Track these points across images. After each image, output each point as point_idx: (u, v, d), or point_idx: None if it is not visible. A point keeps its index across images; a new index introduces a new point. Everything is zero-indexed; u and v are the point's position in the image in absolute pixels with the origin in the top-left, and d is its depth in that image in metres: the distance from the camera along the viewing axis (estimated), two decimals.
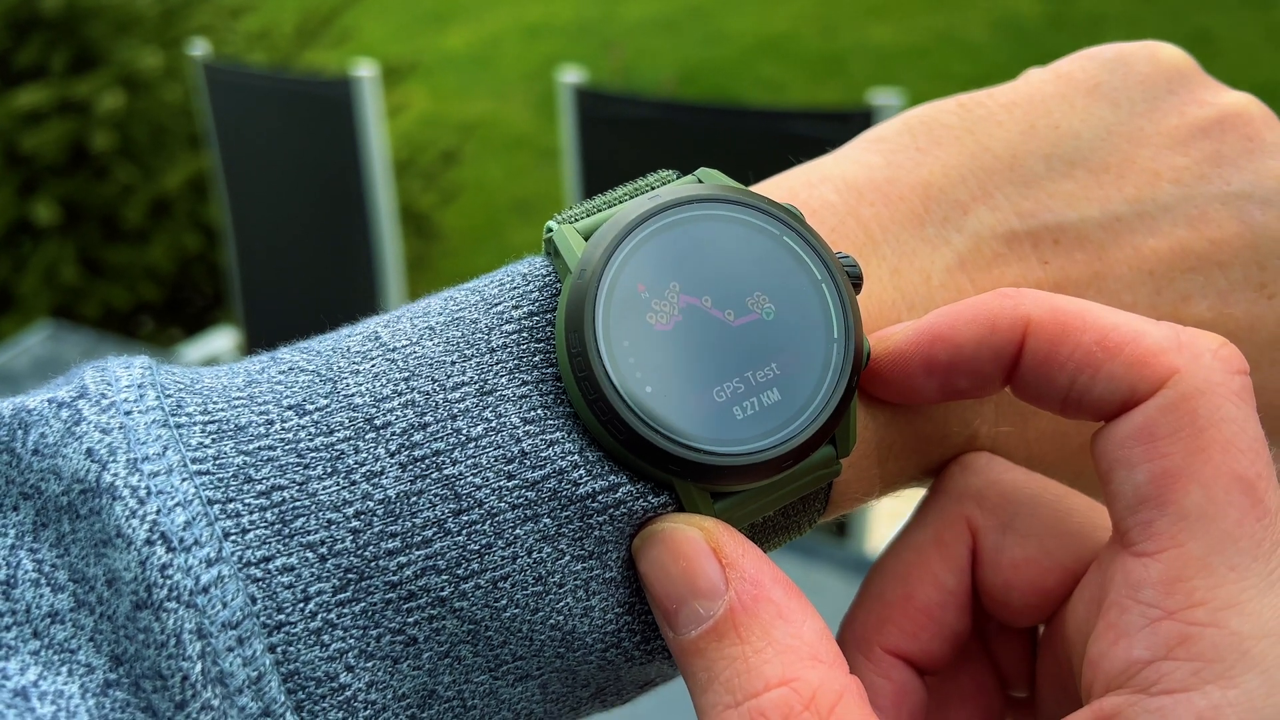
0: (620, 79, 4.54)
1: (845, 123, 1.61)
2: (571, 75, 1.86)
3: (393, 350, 0.27)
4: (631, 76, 4.63)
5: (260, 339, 2.28)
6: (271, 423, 0.25)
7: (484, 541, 0.25)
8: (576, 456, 0.26)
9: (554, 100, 3.92)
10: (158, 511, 0.23)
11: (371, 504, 0.24)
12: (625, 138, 1.86)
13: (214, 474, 0.24)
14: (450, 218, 3.62)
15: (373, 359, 0.26)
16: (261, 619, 0.23)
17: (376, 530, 0.24)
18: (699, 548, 0.25)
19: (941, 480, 0.30)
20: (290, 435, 0.25)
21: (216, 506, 0.24)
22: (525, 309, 0.27)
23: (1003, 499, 0.29)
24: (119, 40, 2.80)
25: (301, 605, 0.23)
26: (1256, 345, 0.30)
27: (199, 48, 2.26)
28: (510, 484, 0.25)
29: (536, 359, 0.27)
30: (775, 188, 0.32)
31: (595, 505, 0.26)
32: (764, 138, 1.68)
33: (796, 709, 0.23)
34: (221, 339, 2.51)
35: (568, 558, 0.25)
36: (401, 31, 5.48)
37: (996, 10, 4.87)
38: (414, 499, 0.25)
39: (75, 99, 2.65)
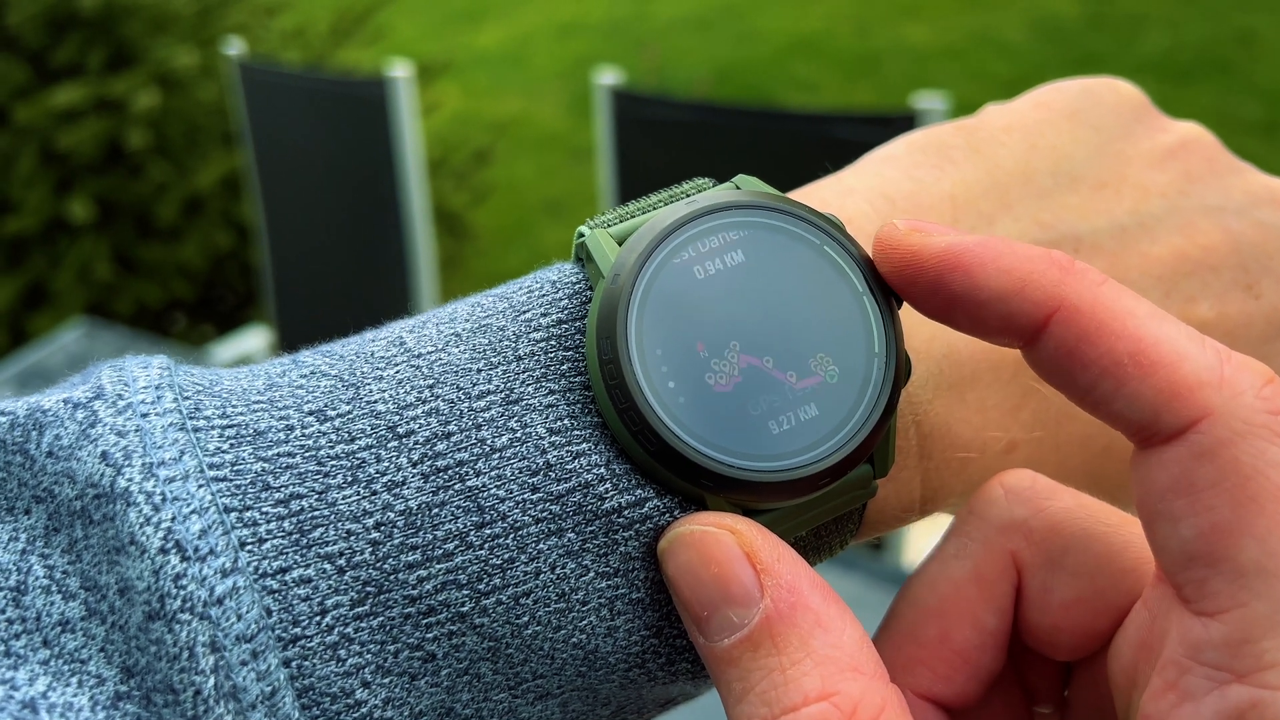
0: (653, 78, 4.53)
1: (886, 126, 1.59)
2: (608, 77, 1.86)
3: (418, 356, 0.26)
4: (664, 76, 4.62)
5: (292, 337, 2.29)
6: (291, 428, 0.24)
7: (506, 556, 0.24)
8: (603, 469, 0.25)
9: (586, 99, 3.92)
10: (172, 519, 0.22)
11: (392, 515, 0.24)
12: (661, 139, 1.85)
13: (231, 481, 0.23)
14: (482, 217, 3.63)
15: (397, 365, 0.26)
16: (277, 632, 0.22)
17: (397, 542, 0.24)
18: (732, 552, 0.24)
19: (980, 504, 0.28)
20: (310, 442, 0.24)
21: (233, 515, 0.23)
22: (554, 316, 0.27)
23: (1051, 532, 0.27)
24: (155, 39, 2.83)
25: (318, 619, 0.23)
26: (1250, 342, 0.32)
27: (234, 46, 2.27)
28: (534, 497, 0.24)
29: (564, 367, 0.26)
30: (807, 198, 0.31)
31: (621, 520, 0.25)
32: (803, 141, 1.66)
33: None
34: (253, 337, 2.53)
35: (592, 574, 0.25)
36: (434, 30, 5.50)
37: (1034, 10, 4.82)
38: (436, 511, 0.24)
39: (111, 97, 2.67)
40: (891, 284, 0.27)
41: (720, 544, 0.24)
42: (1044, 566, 0.27)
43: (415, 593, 0.24)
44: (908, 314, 0.29)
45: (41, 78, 2.72)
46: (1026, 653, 0.30)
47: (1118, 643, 0.26)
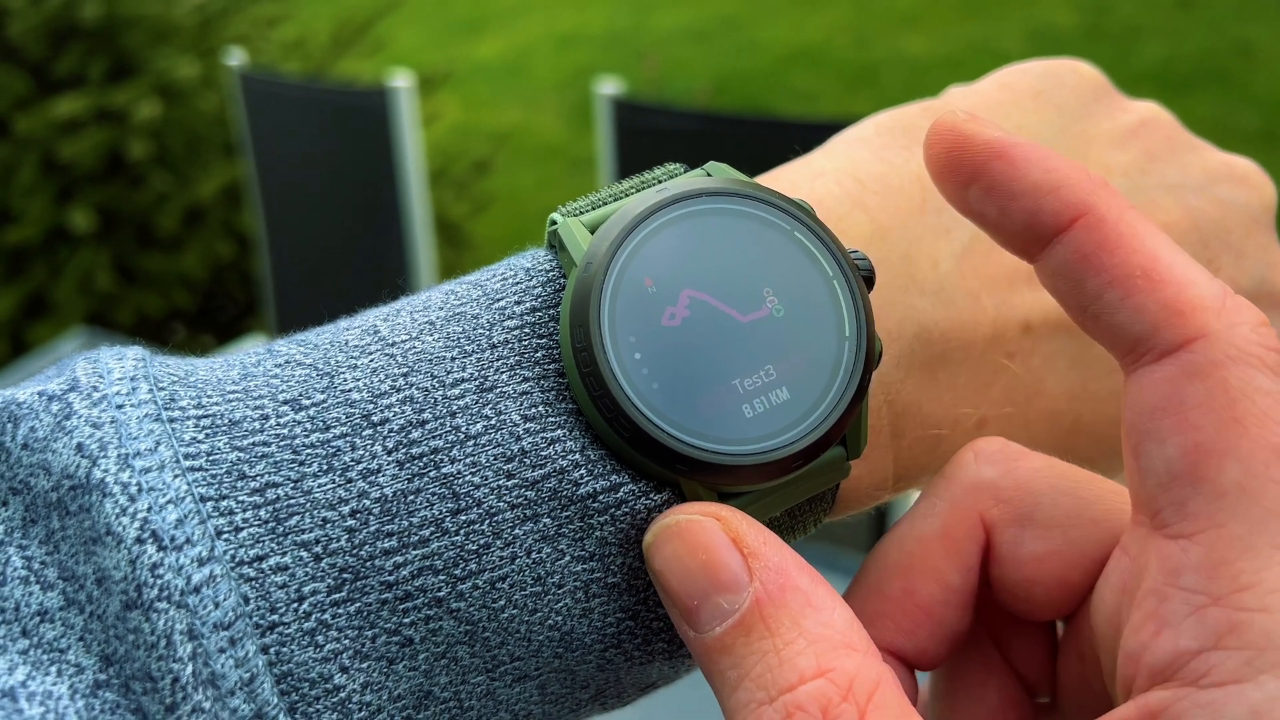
0: (653, 89, 4.54)
1: None
2: (608, 86, 1.86)
3: (391, 345, 0.26)
4: (664, 87, 4.63)
5: None
6: (266, 418, 0.25)
7: (482, 541, 0.24)
8: (578, 455, 0.25)
9: (586, 110, 3.93)
10: (149, 509, 0.22)
11: (368, 502, 0.24)
12: (662, 149, 1.85)
13: (207, 470, 0.24)
14: (482, 227, 3.63)
15: (371, 354, 0.26)
16: (254, 619, 0.23)
17: (373, 529, 0.24)
18: (718, 538, 0.24)
19: (953, 468, 0.28)
20: (285, 431, 0.24)
21: (209, 504, 0.23)
22: (528, 304, 0.27)
23: (1020, 490, 0.27)
24: (156, 50, 2.83)
25: (295, 605, 0.23)
26: None
27: (235, 57, 2.28)
28: (510, 483, 0.25)
29: (538, 355, 0.26)
30: (776, 181, 0.31)
31: (596, 505, 0.25)
32: (803, 150, 1.66)
33: (835, 700, 0.22)
34: (253, 347, 2.53)
35: (568, 558, 0.25)
36: (434, 41, 5.52)
37: (1032, 21, 4.83)
38: (411, 498, 0.24)
39: (112, 108, 2.67)
40: (934, 167, 0.27)
41: (706, 531, 0.24)
42: (1015, 523, 0.27)
43: (392, 579, 0.24)
44: (878, 297, 0.29)
45: (43, 88, 2.73)
46: (1016, 637, 0.30)
47: (1100, 592, 0.26)
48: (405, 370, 0.26)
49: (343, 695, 0.23)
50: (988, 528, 0.28)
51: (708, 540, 0.24)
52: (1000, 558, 0.28)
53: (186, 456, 0.24)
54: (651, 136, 1.85)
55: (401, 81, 1.98)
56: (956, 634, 0.28)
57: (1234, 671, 0.21)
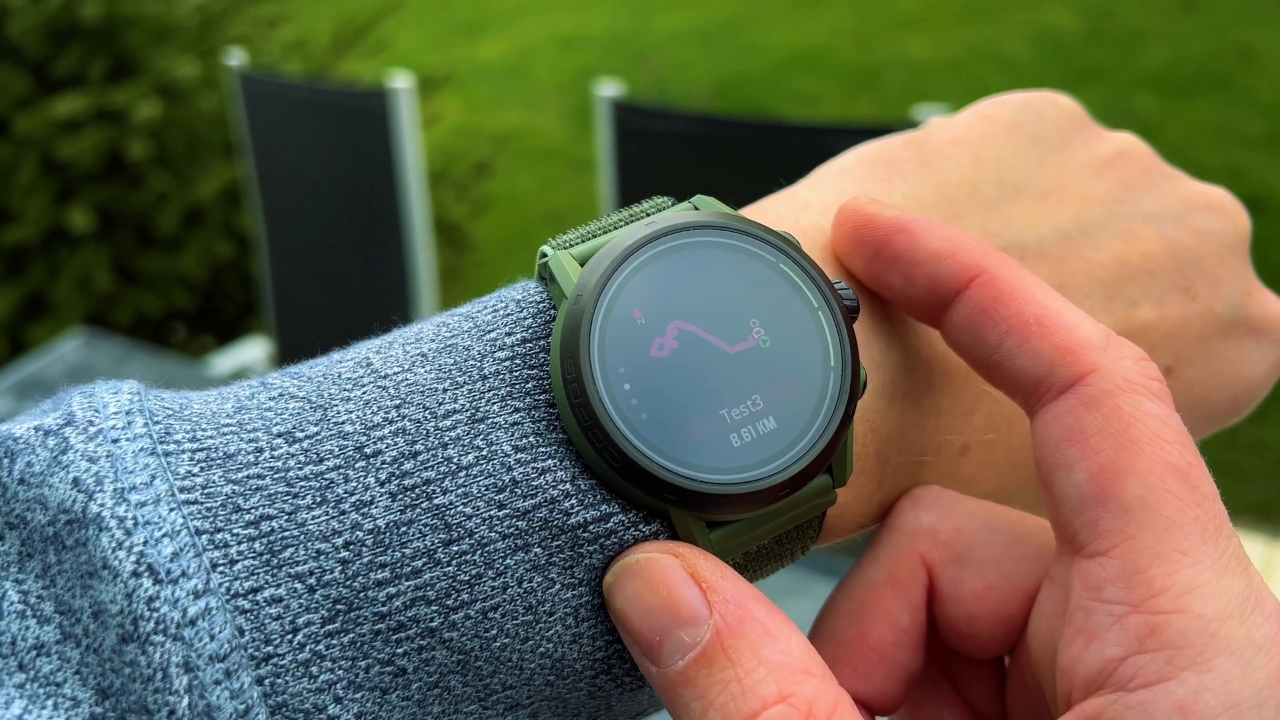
0: (653, 91, 4.55)
1: None
2: (608, 89, 1.86)
3: (384, 377, 0.26)
4: (664, 89, 4.63)
5: (291, 348, 2.30)
6: (260, 450, 0.25)
7: (474, 572, 0.24)
8: (568, 485, 0.25)
9: (587, 112, 3.93)
10: (145, 543, 0.23)
11: (361, 534, 0.24)
12: (661, 151, 1.85)
13: (202, 503, 0.24)
14: (482, 229, 3.64)
15: (364, 386, 0.26)
16: (249, 651, 0.23)
17: (366, 560, 0.24)
18: (677, 574, 0.25)
19: (893, 517, 0.30)
20: (279, 464, 0.25)
21: (204, 537, 0.23)
22: (519, 335, 0.27)
23: (956, 531, 0.29)
24: (157, 49, 2.84)
25: (290, 637, 0.23)
26: (1188, 341, 0.34)
27: (235, 57, 2.28)
28: (501, 513, 0.25)
29: (529, 386, 0.26)
30: (761, 213, 0.32)
31: (586, 535, 0.25)
32: (803, 153, 1.66)
33: None
34: (253, 348, 2.53)
35: (558, 586, 0.25)
36: (435, 42, 5.52)
37: (1034, 24, 4.84)
38: (404, 529, 0.24)
39: (112, 108, 2.68)
40: (843, 245, 0.30)
41: (665, 568, 0.25)
42: (953, 562, 0.29)
43: (385, 609, 0.24)
44: (862, 327, 0.30)
45: (43, 88, 2.73)
46: (966, 670, 0.31)
47: (1034, 622, 0.28)
48: (398, 402, 0.26)
49: None
50: (929, 569, 0.30)
51: (666, 576, 0.25)
52: (943, 596, 0.29)
53: (182, 490, 0.24)
54: (652, 139, 1.85)
55: (402, 83, 1.98)
56: (911, 674, 0.30)
57: (1158, 672, 0.23)
